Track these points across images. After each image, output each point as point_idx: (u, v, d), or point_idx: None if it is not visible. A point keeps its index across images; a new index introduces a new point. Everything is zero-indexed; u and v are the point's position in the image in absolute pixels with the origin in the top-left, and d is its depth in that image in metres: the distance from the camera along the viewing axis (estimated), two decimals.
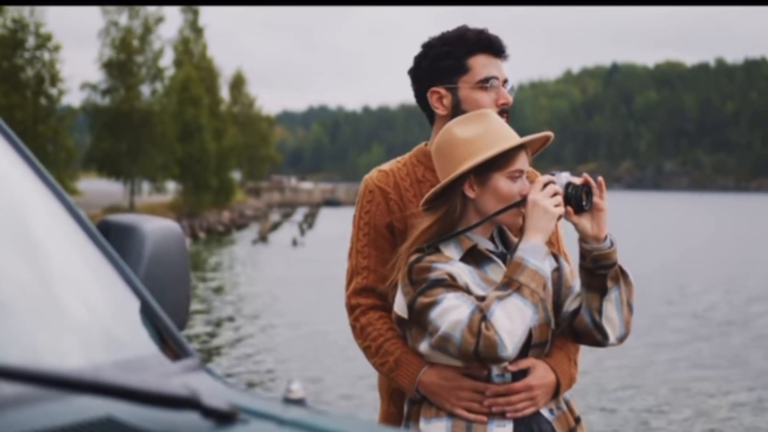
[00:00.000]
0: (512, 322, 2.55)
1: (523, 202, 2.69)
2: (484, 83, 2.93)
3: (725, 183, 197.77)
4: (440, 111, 2.98)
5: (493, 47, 2.96)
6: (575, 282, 2.84)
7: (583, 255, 2.75)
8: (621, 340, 2.82)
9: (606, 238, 2.73)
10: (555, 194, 2.68)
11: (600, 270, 2.73)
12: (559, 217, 2.71)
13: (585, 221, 2.72)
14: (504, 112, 2.93)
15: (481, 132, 2.70)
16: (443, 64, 2.95)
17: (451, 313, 2.57)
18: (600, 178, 2.76)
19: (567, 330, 2.86)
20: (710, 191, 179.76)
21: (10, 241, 1.67)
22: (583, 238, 2.74)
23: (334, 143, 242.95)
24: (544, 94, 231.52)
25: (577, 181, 2.73)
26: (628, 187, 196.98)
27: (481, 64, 2.94)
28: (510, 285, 2.58)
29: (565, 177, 2.72)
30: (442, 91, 2.96)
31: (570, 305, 2.82)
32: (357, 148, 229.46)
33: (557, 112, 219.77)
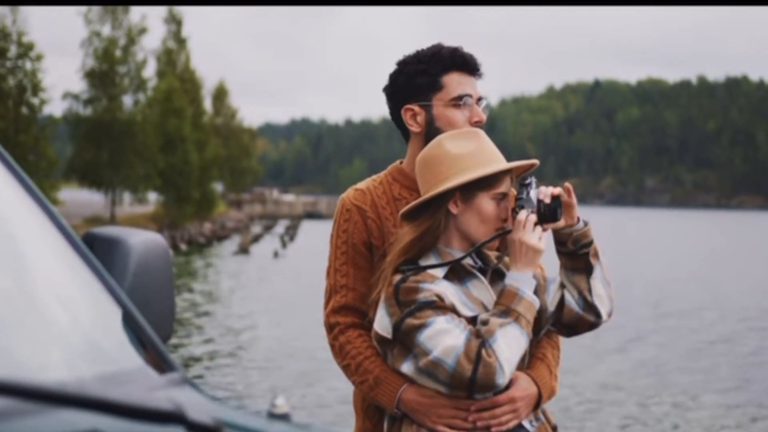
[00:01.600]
0: (511, 350, 2.60)
1: (508, 232, 2.72)
2: (457, 101, 2.94)
3: (706, 200, 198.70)
4: (414, 128, 3.00)
5: (468, 65, 2.98)
6: (549, 278, 2.87)
7: (562, 241, 2.80)
8: (610, 315, 2.87)
9: (579, 220, 2.78)
10: (535, 225, 2.71)
11: (582, 249, 2.78)
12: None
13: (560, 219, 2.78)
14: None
15: (472, 150, 2.73)
16: (418, 81, 2.97)
17: (444, 337, 2.59)
18: (567, 184, 2.80)
19: (558, 327, 2.87)
20: (691, 208, 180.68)
21: None
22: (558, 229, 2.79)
23: (316, 156, 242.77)
24: (526, 109, 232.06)
25: (547, 198, 2.74)
26: (609, 203, 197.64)
27: (456, 82, 2.95)
28: (509, 314, 2.62)
29: (533, 196, 2.75)
30: (416, 108, 2.98)
31: (553, 302, 2.84)
32: (339, 161, 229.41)
33: (539, 127, 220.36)
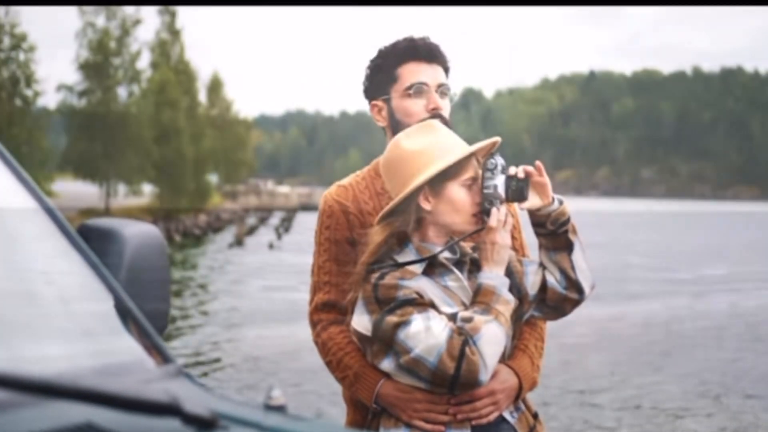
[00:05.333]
0: (493, 348, 2.58)
1: (482, 230, 2.70)
2: (409, 90, 2.97)
3: (702, 191, 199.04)
4: (380, 122, 3.05)
5: (420, 53, 2.99)
6: (525, 262, 2.86)
7: (541, 223, 2.79)
8: (593, 287, 2.87)
9: (553, 199, 2.77)
10: (505, 222, 2.70)
11: (561, 228, 2.78)
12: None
13: (534, 199, 2.75)
14: (437, 117, 2.93)
15: (429, 143, 2.70)
16: (378, 77, 3.02)
17: (426, 335, 2.56)
18: (537, 163, 2.76)
19: (544, 310, 2.85)
20: (687, 199, 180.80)
21: None
22: (535, 211, 2.79)
23: (311, 148, 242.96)
24: (521, 100, 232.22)
25: (520, 174, 2.71)
26: (604, 194, 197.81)
27: (409, 72, 2.98)
28: (490, 311, 2.61)
29: (500, 182, 2.69)
30: (380, 103, 3.03)
31: (534, 285, 2.82)
32: (334, 152, 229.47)
33: (535, 118, 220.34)
